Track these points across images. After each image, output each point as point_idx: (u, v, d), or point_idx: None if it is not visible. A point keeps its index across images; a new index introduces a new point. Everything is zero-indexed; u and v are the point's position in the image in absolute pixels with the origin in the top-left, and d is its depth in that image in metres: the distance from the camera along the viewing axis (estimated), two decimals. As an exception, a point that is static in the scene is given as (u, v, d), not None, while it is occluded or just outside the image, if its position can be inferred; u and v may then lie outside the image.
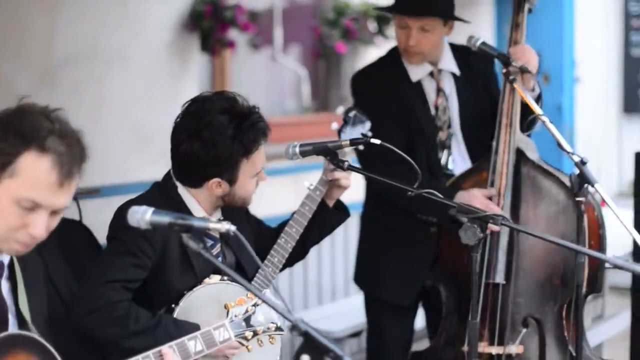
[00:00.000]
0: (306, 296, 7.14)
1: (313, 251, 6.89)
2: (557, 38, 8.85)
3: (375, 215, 4.86)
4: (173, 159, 3.73)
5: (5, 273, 2.94)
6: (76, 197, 4.77)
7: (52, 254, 4.05)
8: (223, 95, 3.72)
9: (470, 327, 3.27)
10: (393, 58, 4.72)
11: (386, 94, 4.63)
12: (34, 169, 2.69)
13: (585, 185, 3.72)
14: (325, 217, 4.02)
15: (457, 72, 4.70)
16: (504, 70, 4.18)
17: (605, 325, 6.06)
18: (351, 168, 3.70)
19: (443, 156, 4.66)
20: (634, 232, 3.65)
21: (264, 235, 3.99)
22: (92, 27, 5.97)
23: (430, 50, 4.59)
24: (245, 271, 3.77)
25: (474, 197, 4.30)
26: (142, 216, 2.79)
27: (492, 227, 4.14)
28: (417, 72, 4.66)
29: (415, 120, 4.61)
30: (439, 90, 4.68)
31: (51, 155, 2.69)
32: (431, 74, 4.67)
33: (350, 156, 4.42)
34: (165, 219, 2.78)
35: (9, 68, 5.50)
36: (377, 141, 3.78)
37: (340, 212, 4.11)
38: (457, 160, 4.69)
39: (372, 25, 7.85)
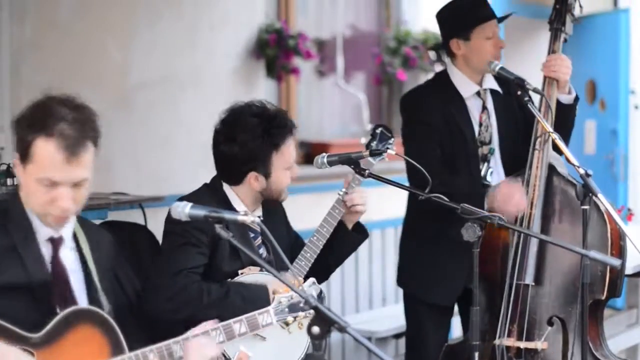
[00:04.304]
0: (357, 300, 7.35)
1: (364, 258, 7.27)
2: (613, 67, 9.05)
3: (418, 223, 5.06)
4: (215, 161, 4.22)
5: (71, 245, 3.41)
6: (141, 204, 5.27)
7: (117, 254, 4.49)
8: (254, 102, 4.18)
9: (472, 314, 3.63)
10: (441, 80, 5.02)
11: (432, 109, 4.88)
12: (43, 152, 3.19)
13: (590, 194, 4.08)
14: (344, 237, 4.37)
15: (500, 89, 4.99)
16: (519, 93, 4.46)
17: (637, 331, 6.40)
18: (371, 176, 4.05)
19: (483, 169, 4.94)
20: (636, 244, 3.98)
21: (298, 246, 4.37)
22: (164, 55, 6.29)
23: None
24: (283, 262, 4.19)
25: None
26: (182, 210, 3.30)
27: None
28: (466, 89, 4.94)
29: (460, 134, 4.88)
30: (484, 108, 4.96)
31: (56, 138, 3.17)
32: (477, 93, 4.96)
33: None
34: (201, 212, 3.27)
35: (87, 93, 5.54)
36: (393, 152, 4.17)
37: (358, 234, 4.45)
38: (493, 174, 4.96)
39: (431, 54, 7.89)
